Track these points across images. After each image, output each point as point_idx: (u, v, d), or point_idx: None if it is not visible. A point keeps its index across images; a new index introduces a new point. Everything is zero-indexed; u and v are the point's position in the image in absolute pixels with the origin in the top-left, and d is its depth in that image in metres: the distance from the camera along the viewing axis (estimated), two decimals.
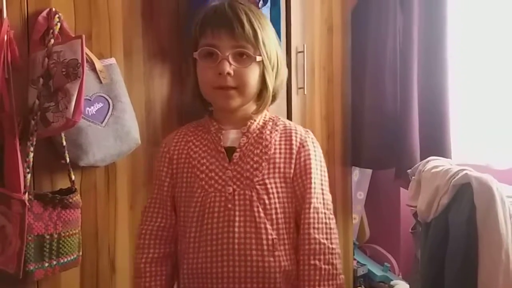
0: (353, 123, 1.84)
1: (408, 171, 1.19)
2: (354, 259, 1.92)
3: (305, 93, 1.63)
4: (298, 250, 0.87)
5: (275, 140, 0.89)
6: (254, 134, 0.89)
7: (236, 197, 0.84)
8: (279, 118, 0.95)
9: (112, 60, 1.20)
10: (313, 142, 0.93)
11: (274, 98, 0.94)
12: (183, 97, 1.36)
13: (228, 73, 0.84)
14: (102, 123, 1.15)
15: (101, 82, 1.16)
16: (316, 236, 0.85)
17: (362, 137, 1.80)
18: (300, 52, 1.61)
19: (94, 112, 1.14)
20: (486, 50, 1.72)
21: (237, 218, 0.84)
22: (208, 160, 0.88)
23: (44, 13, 1.11)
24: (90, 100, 1.13)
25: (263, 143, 0.87)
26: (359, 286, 1.90)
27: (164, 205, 0.93)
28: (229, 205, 0.84)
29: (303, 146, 0.89)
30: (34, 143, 1.06)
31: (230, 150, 0.88)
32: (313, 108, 1.69)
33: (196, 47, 0.90)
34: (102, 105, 1.16)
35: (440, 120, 1.67)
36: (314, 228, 0.86)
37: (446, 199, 0.89)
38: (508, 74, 1.69)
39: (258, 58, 0.87)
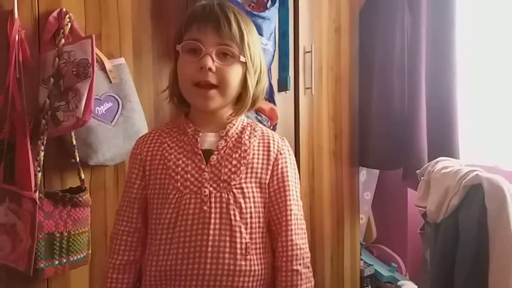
0: (360, 123, 1.83)
1: (417, 171, 1.19)
2: (361, 259, 1.92)
3: (313, 93, 1.63)
4: (277, 255, 0.87)
5: (254, 146, 0.88)
6: (233, 138, 0.88)
7: (213, 199, 0.84)
8: (257, 124, 0.95)
9: (122, 60, 1.21)
10: (288, 150, 0.93)
11: (253, 103, 0.92)
12: None
13: (210, 69, 0.83)
14: (111, 122, 1.16)
15: (110, 82, 1.17)
16: (297, 242, 0.87)
17: (370, 137, 1.79)
18: (307, 52, 1.61)
19: (104, 112, 1.15)
20: (495, 50, 1.71)
21: (212, 220, 0.83)
22: (183, 162, 0.86)
23: (55, 13, 1.12)
24: (100, 99, 1.14)
25: (242, 148, 0.87)
26: (366, 286, 1.89)
27: (130, 208, 0.91)
28: (205, 207, 0.83)
29: (281, 154, 0.90)
30: (45, 142, 1.07)
31: (206, 153, 0.87)
32: (320, 108, 1.69)
33: (180, 40, 0.88)
34: (111, 104, 1.16)
35: (448, 120, 1.66)
36: (295, 234, 0.87)
37: (457, 200, 0.88)
38: None
39: (242, 59, 0.85)
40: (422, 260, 1.13)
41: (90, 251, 1.16)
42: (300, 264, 0.86)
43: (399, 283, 1.83)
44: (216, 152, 0.87)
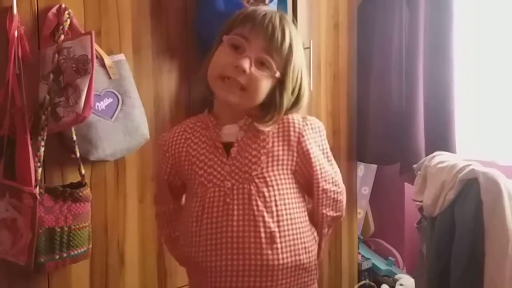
0: (358, 119, 1.84)
1: (414, 166, 1.20)
2: (359, 253, 1.94)
3: (311, 89, 1.63)
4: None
5: (273, 133, 0.87)
6: (252, 127, 0.88)
7: (235, 191, 0.85)
8: None
9: (121, 56, 1.21)
10: (312, 128, 0.91)
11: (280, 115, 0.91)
12: (191, 93, 1.37)
13: (244, 70, 0.83)
14: (111, 118, 1.16)
15: (110, 78, 1.17)
16: (324, 211, 0.92)
17: (368, 132, 1.80)
18: (306, 48, 1.61)
19: (104, 108, 1.15)
20: (492, 46, 1.72)
21: (235, 212, 0.84)
22: (206, 156, 0.88)
23: (54, 9, 1.12)
24: (99, 95, 1.15)
25: (261, 137, 0.87)
26: (364, 280, 1.91)
27: (165, 194, 0.99)
28: (228, 200, 0.85)
29: (303, 136, 0.88)
30: (45, 137, 1.08)
31: (228, 145, 0.88)
32: (319, 104, 1.70)
33: (228, 32, 0.88)
34: (111, 100, 1.17)
35: (445, 116, 1.67)
36: (322, 205, 0.92)
37: (453, 194, 0.89)
38: None
39: (277, 75, 0.85)
40: (418, 253, 1.14)
41: (90, 246, 1.16)
42: (329, 226, 0.96)
43: (396, 276, 1.85)
44: (236, 144, 0.88)
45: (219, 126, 0.89)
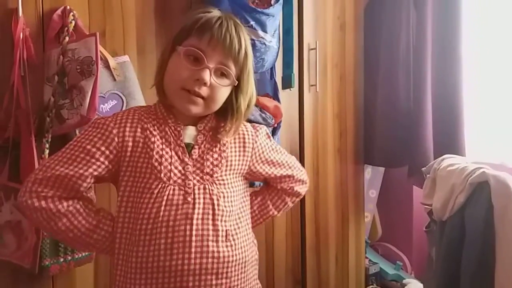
0: (365, 120, 1.83)
1: (423, 169, 1.18)
2: (366, 258, 1.91)
3: (317, 90, 1.62)
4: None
5: (231, 141, 0.92)
6: (210, 133, 0.91)
7: (196, 191, 0.86)
8: None
9: (126, 58, 1.21)
10: (266, 135, 0.98)
11: (238, 122, 0.94)
12: None
13: (205, 84, 0.85)
14: None
15: (114, 80, 1.17)
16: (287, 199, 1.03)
17: (375, 135, 1.78)
18: (312, 49, 1.60)
19: (108, 109, 1.15)
20: (501, 47, 1.70)
21: (196, 211, 0.85)
22: (167, 153, 0.87)
23: (59, 11, 1.12)
24: (104, 97, 1.14)
25: (221, 142, 0.91)
26: (371, 285, 1.89)
27: (77, 175, 0.83)
28: (189, 199, 0.85)
29: (256, 142, 0.95)
30: (50, 139, 1.07)
31: (187, 146, 0.89)
32: (325, 105, 1.68)
33: (183, 41, 0.87)
34: (116, 102, 1.16)
35: (454, 118, 1.65)
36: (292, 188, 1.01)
37: (463, 197, 0.87)
38: None
39: (235, 83, 0.88)
40: (427, 258, 1.12)
41: None
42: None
43: (404, 281, 1.82)
44: (196, 146, 0.89)
45: (179, 125, 0.89)
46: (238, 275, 0.88)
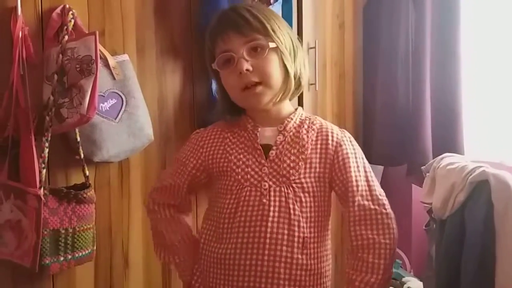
0: (364, 119, 1.83)
1: (422, 167, 1.18)
2: None
3: (317, 89, 1.62)
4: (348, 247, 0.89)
5: (312, 140, 0.89)
6: (291, 133, 0.90)
7: (272, 193, 0.85)
8: (316, 117, 0.96)
9: (125, 57, 1.21)
10: (351, 141, 0.94)
11: (299, 83, 0.93)
12: (195, 93, 1.36)
13: (247, 70, 0.85)
14: (115, 119, 1.15)
15: (114, 79, 1.17)
16: (363, 232, 0.85)
17: (374, 133, 1.78)
18: (311, 48, 1.60)
19: (108, 108, 1.15)
20: (500, 47, 1.70)
21: (271, 213, 0.84)
22: (244, 156, 0.89)
23: (58, 10, 1.11)
24: (103, 96, 1.14)
25: (300, 143, 0.88)
26: None
27: (179, 178, 0.98)
28: (264, 200, 0.85)
29: (340, 146, 0.90)
30: (49, 138, 1.07)
31: (265, 148, 0.89)
32: (324, 104, 1.68)
33: (213, 58, 0.91)
34: (115, 101, 1.16)
35: (453, 116, 1.65)
36: (360, 225, 0.86)
37: (463, 196, 0.88)
38: None
39: (272, 45, 0.86)
40: (427, 256, 1.12)
41: (95, 247, 1.16)
42: (368, 254, 0.85)
43: (403, 279, 1.82)
44: (274, 147, 0.89)
45: (257, 127, 0.90)
46: (313, 286, 0.86)
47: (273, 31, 0.87)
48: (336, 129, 0.94)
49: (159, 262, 1.31)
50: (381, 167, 2.00)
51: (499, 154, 1.67)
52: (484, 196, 0.83)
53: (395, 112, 1.75)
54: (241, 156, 0.89)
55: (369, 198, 0.89)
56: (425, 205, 1.13)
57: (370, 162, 1.84)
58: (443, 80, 1.67)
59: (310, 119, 0.94)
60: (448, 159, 1.03)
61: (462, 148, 1.63)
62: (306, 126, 0.91)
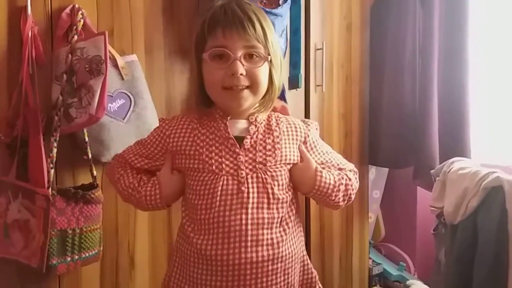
0: (371, 121, 1.82)
1: (432, 171, 1.17)
2: (369, 258, 1.91)
3: (323, 90, 1.62)
4: None
5: (283, 131, 0.92)
6: (262, 124, 0.92)
7: (250, 180, 0.86)
8: (278, 113, 0.99)
9: (134, 57, 1.20)
10: (317, 129, 0.98)
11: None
12: None
13: (241, 74, 0.85)
14: (124, 119, 1.15)
15: (123, 79, 1.16)
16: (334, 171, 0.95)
17: (380, 135, 1.78)
18: (318, 49, 1.60)
19: (116, 109, 1.14)
20: (508, 48, 1.69)
21: (250, 200, 0.85)
22: (217, 148, 0.88)
23: (68, 10, 1.11)
24: (112, 96, 1.14)
25: (274, 134, 0.91)
26: (375, 285, 1.89)
27: (138, 159, 0.95)
28: (243, 188, 0.86)
29: (308, 136, 0.95)
30: (58, 138, 1.07)
31: (238, 139, 0.89)
32: (331, 105, 1.68)
33: (203, 47, 0.89)
34: (124, 101, 1.16)
35: (460, 119, 1.64)
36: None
37: (476, 202, 0.87)
38: None
39: (269, 57, 0.88)
40: (435, 261, 1.12)
41: (101, 248, 1.16)
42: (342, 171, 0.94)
43: (408, 282, 1.82)
44: (248, 137, 0.89)
45: (226, 117, 0.90)
46: (296, 263, 0.90)
47: (272, 43, 0.89)
48: (299, 122, 0.97)
49: (165, 261, 1.31)
50: (386, 169, 2.00)
51: (506, 158, 1.66)
52: (497, 202, 0.82)
53: (402, 115, 1.75)
54: (213, 148, 0.88)
55: (342, 167, 0.97)
56: (434, 209, 1.13)
57: (375, 165, 1.87)
58: (450, 82, 1.66)
59: (274, 114, 0.97)
60: (459, 164, 1.02)
61: (469, 150, 1.62)
62: (274, 120, 0.94)
